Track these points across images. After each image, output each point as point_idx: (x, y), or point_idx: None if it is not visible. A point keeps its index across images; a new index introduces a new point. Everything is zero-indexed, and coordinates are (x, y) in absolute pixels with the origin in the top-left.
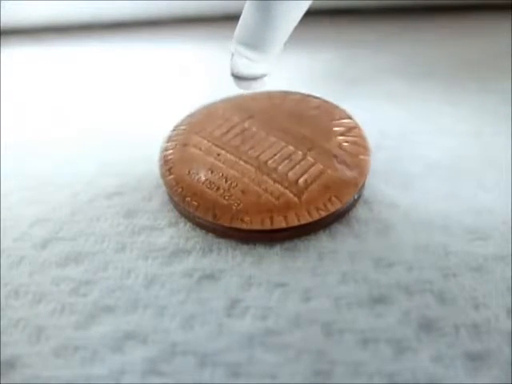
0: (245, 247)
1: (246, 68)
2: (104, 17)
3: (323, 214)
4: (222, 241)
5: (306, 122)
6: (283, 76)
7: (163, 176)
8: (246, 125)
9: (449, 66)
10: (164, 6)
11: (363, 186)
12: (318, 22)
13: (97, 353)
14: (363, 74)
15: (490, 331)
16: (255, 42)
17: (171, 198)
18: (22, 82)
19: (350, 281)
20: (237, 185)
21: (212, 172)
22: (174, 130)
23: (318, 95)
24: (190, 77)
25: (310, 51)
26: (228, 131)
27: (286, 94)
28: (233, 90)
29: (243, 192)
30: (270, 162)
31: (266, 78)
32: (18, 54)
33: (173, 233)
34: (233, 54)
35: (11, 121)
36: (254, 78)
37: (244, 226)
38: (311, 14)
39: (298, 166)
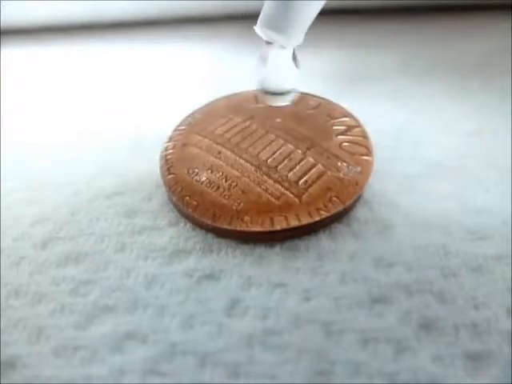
0: (245, 247)
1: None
2: (104, 17)
3: (324, 214)
4: (222, 241)
5: (306, 121)
6: None
7: (163, 176)
8: (247, 123)
9: (449, 65)
10: (164, 6)
11: (365, 185)
12: (318, 22)
13: (97, 353)
14: (364, 74)
15: (490, 331)
16: (279, 25)
17: (171, 198)
18: (22, 82)
19: (350, 281)
20: (237, 184)
21: (212, 171)
22: (174, 130)
23: (318, 94)
24: (191, 77)
25: (310, 51)
26: (228, 130)
27: None
28: (233, 90)
29: (243, 192)
30: (269, 160)
31: (294, 94)
32: (18, 53)
33: (173, 233)
34: (257, 64)
35: (11, 121)
36: (282, 93)
37: (244, 226)
38: None
39: (298, 167)
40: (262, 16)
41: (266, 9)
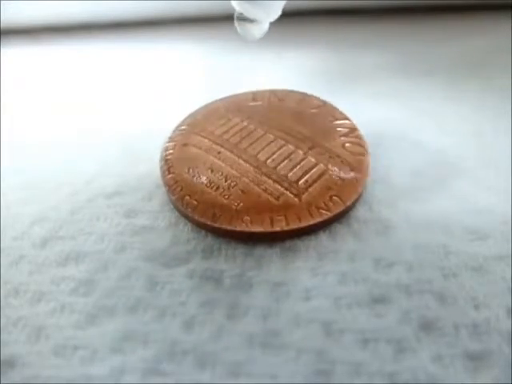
0: (245, 247)
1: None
2: (104, 17)
3: (324, 213)
4: (222, 241)
5: (307, 122)
6: (283, 75)
7: (163, 176)
8: (246, 123)
9: (449, 64)
10: (164, 5)
11: (365, 185)
12: (318, 22)
13: (97, 352)
14: (363, 73)
15: (489, 331)
16: None
17: (171, 198)
18: (22, 82)
19: (350, 281)
20: (236, 184)
21: (212, 171)
22: (174, 131)
23: (317, 94)
24: (190, 77)
25: (310, 50)
26: (228, 130)
27: (285, 94)
28: (233, 90)
29: (243, 192)
30: (269, 161)
31: (266, 26)
32: (18, 54)
33: (173, 233)
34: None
35: (11, 120)
36: (255, 22)
37: (244, 226)
38: (311, 14)
39: (298, 167)
40: None
41: None
